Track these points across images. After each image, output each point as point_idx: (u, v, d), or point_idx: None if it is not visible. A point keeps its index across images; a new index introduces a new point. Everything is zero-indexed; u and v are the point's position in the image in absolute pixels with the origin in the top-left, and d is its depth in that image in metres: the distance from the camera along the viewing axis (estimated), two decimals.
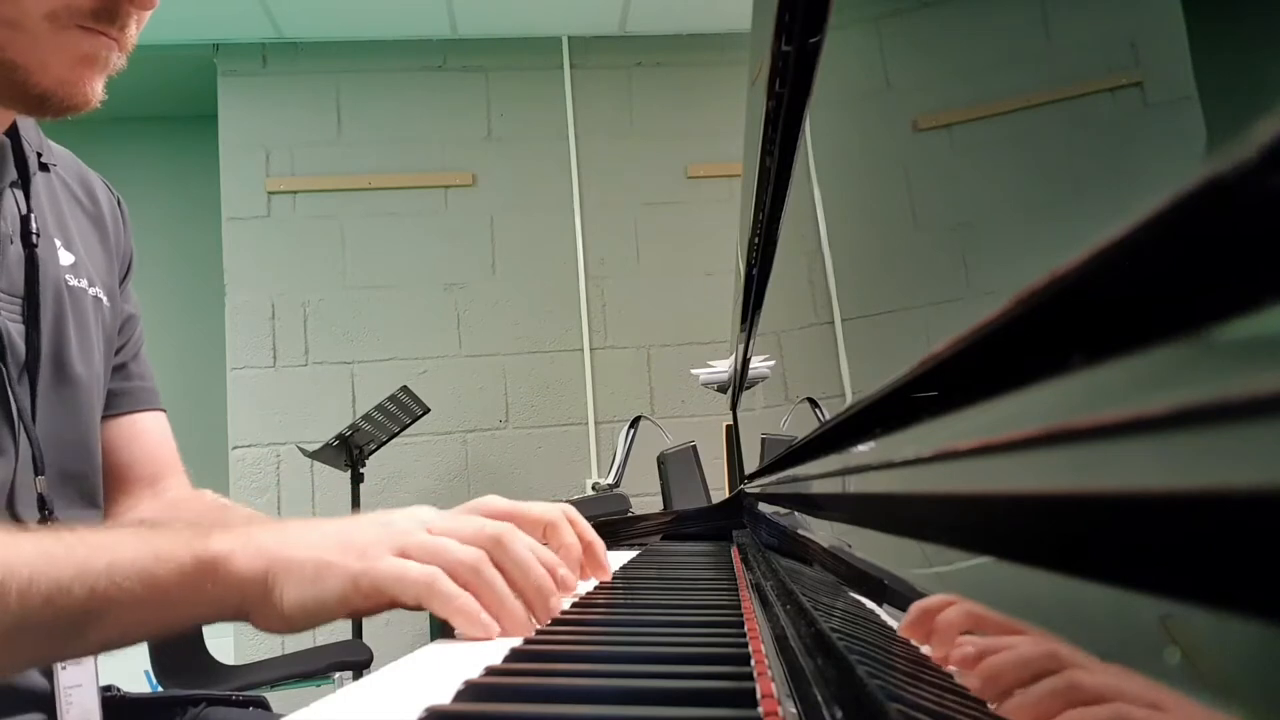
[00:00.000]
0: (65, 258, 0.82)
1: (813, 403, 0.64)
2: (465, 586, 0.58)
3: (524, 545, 0.62)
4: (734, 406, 1.70)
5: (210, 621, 0.59)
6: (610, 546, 1.46)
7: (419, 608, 0.57)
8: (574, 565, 0.73)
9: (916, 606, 0.26)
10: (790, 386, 0.86)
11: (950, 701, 0.22)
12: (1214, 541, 0.12)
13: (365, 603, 0.57)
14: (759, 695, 0.37)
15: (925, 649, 0.25)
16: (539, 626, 0.59)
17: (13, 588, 0.52)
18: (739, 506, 1.46)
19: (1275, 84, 0.11)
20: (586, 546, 0.76)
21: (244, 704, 0.90)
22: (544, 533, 0.73)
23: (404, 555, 0.58)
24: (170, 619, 0.57)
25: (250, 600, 0.57)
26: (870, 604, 0.34)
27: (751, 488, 1.23)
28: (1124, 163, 0.17)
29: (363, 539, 0.58)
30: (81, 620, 0.54)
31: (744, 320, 1.17)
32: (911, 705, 0.25)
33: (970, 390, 0.23)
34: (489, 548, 0.60)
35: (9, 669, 0.64)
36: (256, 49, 3.40)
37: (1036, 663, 0.17)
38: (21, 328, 0.76)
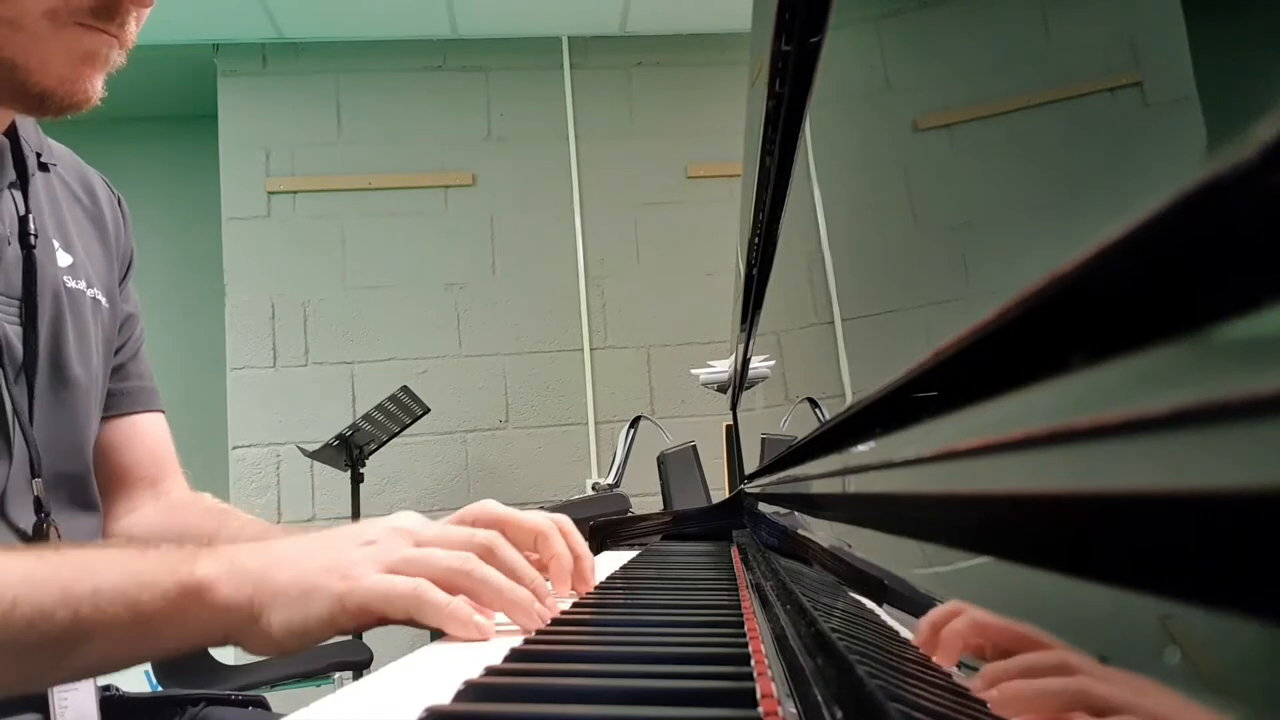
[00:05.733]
0: (64, 259, 0.81)
1: (813, 403, 0.64)
2: (457, 591, 0.58)
3: (513, 552, 0.62)
4: (734, 406, 1.70)
5: (197, 646, 0.58)
6: (610, 546, 1.46)
7: (411, 622, 0.57)
8: (564, 576, 0.72)
9: (925, 622, 0.26)
10: (790, 386, 0.86)
11: (950, 701, 0.22)
12: (1214, 541, 0.12)
13: (352, 622, 0.57)
14: (759, 695, 0.37)
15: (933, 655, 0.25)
16: (536, 628, 0.59)
17: None
18: (739, 506, 1.46)
19: (1275, 84, 0.11)
20: (576, 559, 0.74)
21: (244, 704, 0.90)
22: (535, 542, 0.73)
23: (391, 571, 0.58)
24: (155, 645, 0.57)
25: (236, 626, 0.57)
26: (870, 604, 0.34)
27: (751, 488, 1.23)
28: (1124, 163, 0.17)
29: (347, 558, 0.58)
30: (64, 645, 0.54)
31: (744, 320, 1.17)
32: (911, 705, 0.25)
33: (970, 390, 0.23)
34: (478, 553, 0.60)
35: None
36: (256, 49, 3.40)
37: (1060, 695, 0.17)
38: (19, 330, 0.75)
